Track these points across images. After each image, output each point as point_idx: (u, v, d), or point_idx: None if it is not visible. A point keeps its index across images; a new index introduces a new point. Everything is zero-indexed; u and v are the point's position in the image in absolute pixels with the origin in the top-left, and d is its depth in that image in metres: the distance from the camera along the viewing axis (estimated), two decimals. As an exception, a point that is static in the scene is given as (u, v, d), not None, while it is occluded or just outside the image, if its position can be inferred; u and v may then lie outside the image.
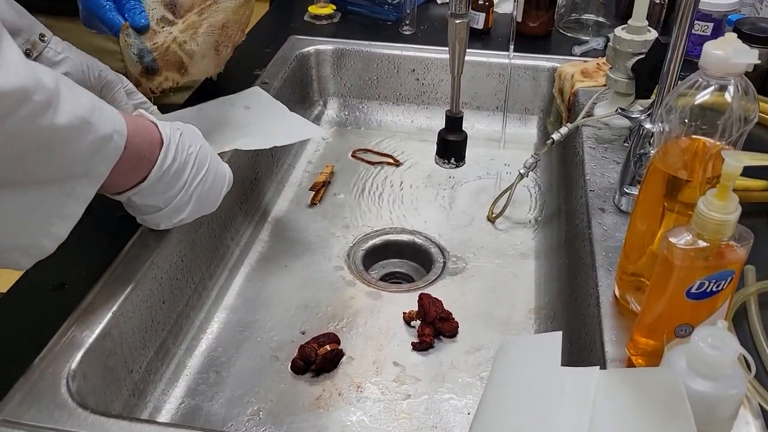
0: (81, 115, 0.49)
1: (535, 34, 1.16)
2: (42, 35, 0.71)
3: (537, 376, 0.52)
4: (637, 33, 0.84)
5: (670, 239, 0.50)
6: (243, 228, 0.89)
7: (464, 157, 0.77)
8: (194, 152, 0.64)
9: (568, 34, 1.18)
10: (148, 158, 0.60)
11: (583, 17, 1.20)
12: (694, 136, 0.53)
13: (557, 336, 0.52)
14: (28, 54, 0.70)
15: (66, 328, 0.60)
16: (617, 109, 0.82)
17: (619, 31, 0.85)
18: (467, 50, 1.10)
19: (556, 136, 0.89)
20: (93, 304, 0.62)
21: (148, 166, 0.60)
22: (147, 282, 0.67)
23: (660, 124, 0.55)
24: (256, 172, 0.94)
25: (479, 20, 1.15)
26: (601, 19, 1.19)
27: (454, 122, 0.74)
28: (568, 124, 0.90)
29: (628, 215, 0.73)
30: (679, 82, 0.67)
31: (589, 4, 1.19)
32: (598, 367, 0.50)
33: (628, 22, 0.84)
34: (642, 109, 0.85)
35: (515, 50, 1.04)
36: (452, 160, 0.76)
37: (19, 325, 0.62)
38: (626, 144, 0.84)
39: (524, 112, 1.12)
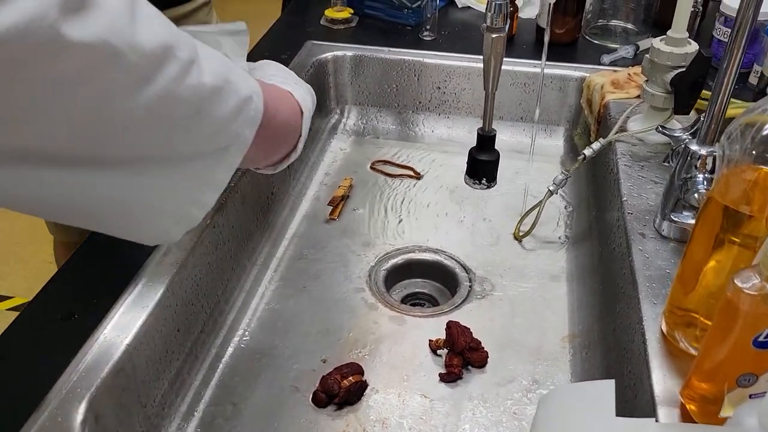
0: (223, 74, 0.45)
1: (561, 41, 1.11)
2: None
3: (589, 427, 0.48)
4: (676, 45, 0.79)
5: (736, 282, 0.45)
6: (260, 246, 0.85)
7: (496, 177, 0.73)
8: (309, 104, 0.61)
9: (595, 41, 1.13)
10: (293, 127, 0.57)
11: (610, 23, 1.15)
12: (759, 166, 0.49)
13: (610, 385, 0.48)
14: None
15: (76, 363, 0.56)
16: (657, 127, 0.77)
17: (657, 42, 0.81)
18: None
19: (587, 152, 0.85)
20: (105, 337, 0.58)
21: (295, 135, 0.58)
22: (161, 310, 0.63)
23: (721, 152, 0.50)
24: (272, 186, 0.90)
25: (503, 26, 1.10)
26: (629, 26, 1.14)
27: (486, 141, 0.70)
28: (601, 139, 0.85)
29: (670, 241, 0.69)
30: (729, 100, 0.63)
31: (617, 10, 1.14)
32: (654, 419, 0.46)
33: (667, 33, 0.80)
34: (683, 126, 0.81)
35: (537, 58, 1.00)
36: (483, 181, 0.72)
37: (27, 359, 0.58)
38: (666, 164, 0.80)
39: (550, 122, 1.07)
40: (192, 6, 1.05)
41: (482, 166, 0.71)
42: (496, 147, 0.72)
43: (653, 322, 0.60)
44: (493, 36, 0.63)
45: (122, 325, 0.60)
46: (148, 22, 0.38)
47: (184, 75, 0.40)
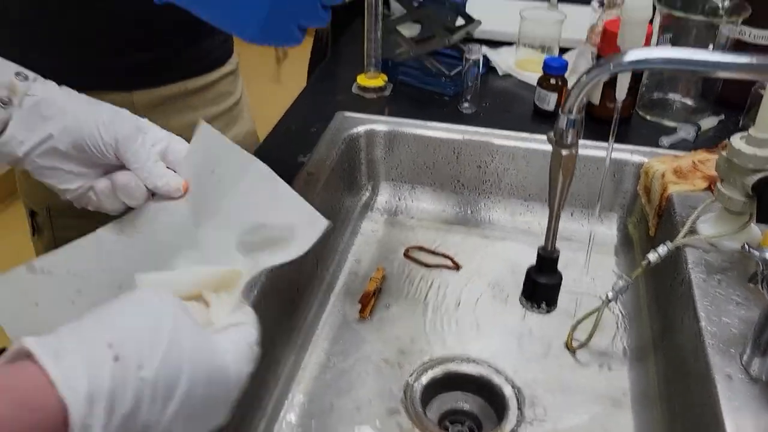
0: None
1: (612, 118, 1.02)
2: (18, 73, 0.56)
3: None
4: (760, 146, 0.70)
5: None
6: (284, 358, 0.76)
7: (556, 301, 0.64)
8: (149, 376, 0.37)
9: (649, 118, 1.04)
10: None
11: (668, 96, 1.06)
12: None
13: None
14: (4, 104, 0.54)
15: None
16: (743, 246, 0.68)
17: (737, 141, 0.72)
18: (537, 135, 0.98)
19: (652, 257, 0.76)
20: None
21: None
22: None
23: None
24: (298, 283, 0.82)
25: (550, 101, 1.02)
26: (688, 102, 1.05)
27: (547, 263, 0.61)
28: (668, 243, 0.76)
29: (762, 383, 0.60)
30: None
31: (675, 83, 1.05)
32: None
33: (749, 131, 0.71)
34: (770, 240, 0.71)
35: (588, 136, 0.91)
36: (542, 305, 0.63)
37: None
38: (752, 284, 0.70)
39: (602, 208, 0.98)
40: (216, 75, 0.98)
41: (542, 289, 0.62)
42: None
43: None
44: (564, 153, 0.54)
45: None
46: None
47: None
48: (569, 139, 0.53)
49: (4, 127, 0.54)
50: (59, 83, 0.60)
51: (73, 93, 0.59)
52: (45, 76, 0.59)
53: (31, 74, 0.57)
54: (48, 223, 0.98)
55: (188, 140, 0.62)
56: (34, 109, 0.55)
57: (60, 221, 0.97)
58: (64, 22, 0.83)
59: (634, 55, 0.50)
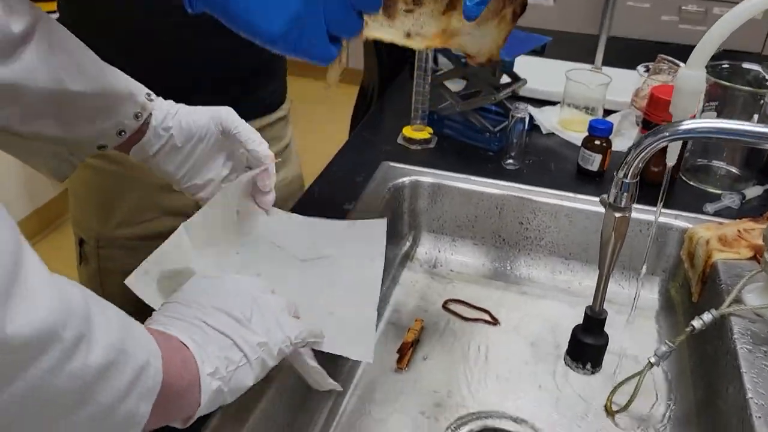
0: (115, 344, 0.38)
1: (656, 181, 1.03)
2: (148, 94, 0.70)
3: None
4: (811, 218, 0.70)
5: None
6: (321, 404, 0.77)
7: (601, 363, 0.63)
8: (249, 361, 0.52)
9: (692, 183, 1.04)
10: (191, 389, 0.48)
11: (712, 163, 1.06)
12: None
13: None
14: (137, 117, 0.68)
15: None
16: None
17: (786, 212, 0.72)
18: (580, 195, 0.99)
19: (697, 323, 0.75)
20: None
21: (193, 401, 0.48)
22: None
23: None
24: (339, 329, 0.82)
25: (594, 162, 1.03)
26: (733, 170, 1.05)
27: (595, 323, 0.61)
28: (713, 311, 0.75)
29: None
30: None
31: (719, 150, 1.06)
32: None
33: (799, 203, 0.71)
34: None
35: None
36: (588, 366, 0.63)
37: None
38: (801, 359, 0.69)
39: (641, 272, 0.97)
40: (269, 120, 1.02)
41: (588, 350, 0.62)
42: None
43: None
44: (617, 216, 0.55)
45: None
46: (28, 301, 0.32)
47: (67, 359, 0.34)
48: (623, 203, 0.54)
49: (142, 135, 0.69)
50: None
51: (183, 106, 0.73)
52: None
53: (152, 94, 0.70)
54: (95, 253, 1.01)
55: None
56: (162, 118, 0.70)
57: (106, 252, 1.00)
58: (148, 55, 0.86)
59: (690, 124, 0.51)
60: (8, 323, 0.30)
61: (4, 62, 0.57)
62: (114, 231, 0.98)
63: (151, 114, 0.69)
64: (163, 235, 1.00)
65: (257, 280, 0.61)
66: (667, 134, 0.51)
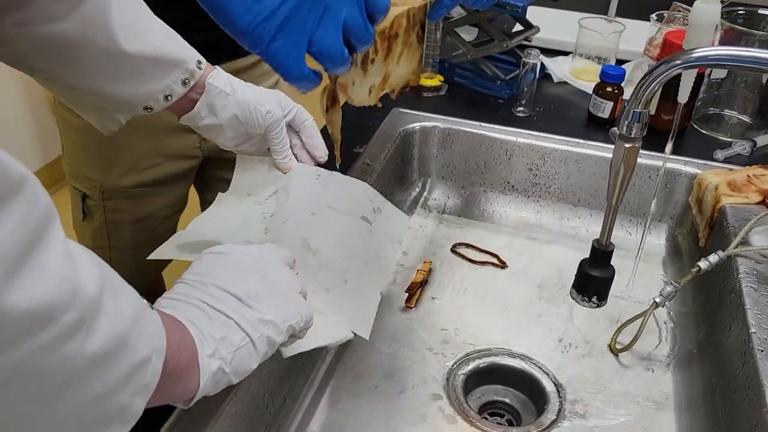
0: (119, 335, 0.37)
1: (667, 129, 1.03)
2: (199, 62, 0.69)
3: None
4: (821, 159, 0.70)
5: None
6: (332, 337, 0.78)
7: (607, 296, 0.64)
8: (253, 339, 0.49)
9: (704, 131, 1.04)
10: (188, 373, 0.46)
11: (724, 112, 1.06)
12: None
13: None
14: (185, 83, 0.68)
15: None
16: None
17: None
18: (590, 142, 0.99)
19: (703, 264, 0.76)
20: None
21: (191, 385, 0.46)
22: (226, 419, 0.57)
23: None
24: (349, 267, 0.84)
25: (605, 109, 1.03)
26: (744, 118, 1.05)
27: (602, 256, 0.62)
28: (720, 252, 0.76)
29: (813, 392, 0.59)
30: None
31: (732, 99, 1.05)
32: None
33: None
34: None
35: (643, 147, 0.91)
36: (593, 299, 0.64)
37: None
38: (804, 295, 0.70)
39: (652, 218, 0.98)
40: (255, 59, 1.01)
41: (595, 282, 0.63)
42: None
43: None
44: (627, 146, 0.55)
45: (183, 438, 0.53)
46: (35, 277, 0.31)
47: (62, 341, 0.33)
48: (633, 133, 0.55)
49: (192, 105, 0.70)
50: None
51: (239, 82, 0.73)
52: None
53: (204, 62, 0.70)
54: (100, 206, 1.01)
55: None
56: (215, 97, 0.70)
57: (112, 203, 1.00)
58: None
59: (703, 51, 0.51)
60: (10, 294, 0.30)
61: (66, 16, 0.58)
62: (119, 180, 0.97)
63: (204, 87, 0.70)
64: (168, 181, 1.00)
65: (275, 251, 0.57)
66: (680, 62, 0.51)
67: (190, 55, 0.69)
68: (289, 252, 0.59)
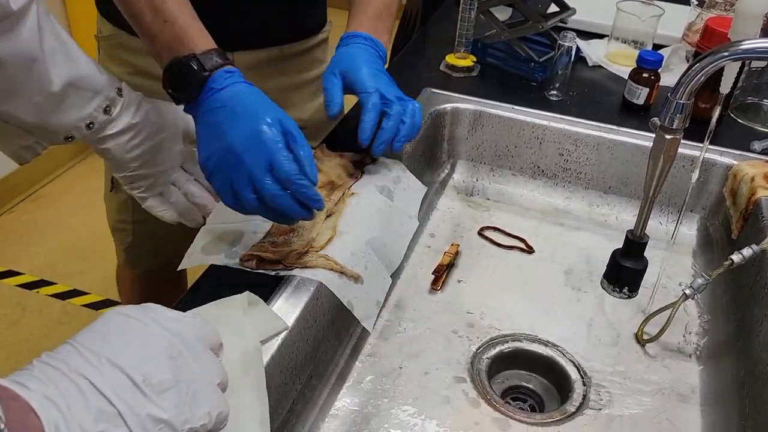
0: None
1: (703, 117, 1.01)
2: (119, 89, 0.71)
3: None
4: None
5: None
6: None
7: (638, 288, 0.64)
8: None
9: (741, 121, 1.02)
10: None
11: (763, 102, 1.04)
12: None
13: None
14: (107, 111, 0.70)
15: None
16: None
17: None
18: (623, 128, 0.98)
19: (736, 257, 0.75)
20: None
21: None
22: (255, 395, 0.58)
23: None
24: (376, 248, 0.84)
25: (640, 95, 1.01)
26: (783, 109, 1.03)
27: (635, 247, 0.61)
28: (754, 246, 0.75)
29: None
30: None
31: (772, 90, 1.03)
32: None
33: None
34: None
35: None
36: (625, 290, 0.63)
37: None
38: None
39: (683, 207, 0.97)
40: (310, 43, 1.01)
41: (627, 274, 0.62)
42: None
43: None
44: (668, 137, 0.54)
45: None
46: None
47: None
48: (675, 124, 0.54)
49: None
50: None
51: (156, 110, 0.75)
52: None
53: (125, 89, 0.71)
54: None
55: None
56: (129, 129, 0.72)
57: None
58: None
59: (752, 43, 0.49)
60: None
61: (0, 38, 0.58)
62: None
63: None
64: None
65: (202, 329, 0.47)
66: (727, 54, 0.49)
67: (111, 81, 0.70)
68: (218, 333, 0.49)
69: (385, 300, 0.84)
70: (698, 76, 0.50)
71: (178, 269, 0.69)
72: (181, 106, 0.69)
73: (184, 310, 0.55)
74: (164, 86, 0.68)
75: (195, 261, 0.69)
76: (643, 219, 0.61)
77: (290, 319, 0.64)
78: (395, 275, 0.87)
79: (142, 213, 1.05)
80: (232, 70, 0.67)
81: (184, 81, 0.66)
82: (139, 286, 1.20)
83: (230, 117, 0.63)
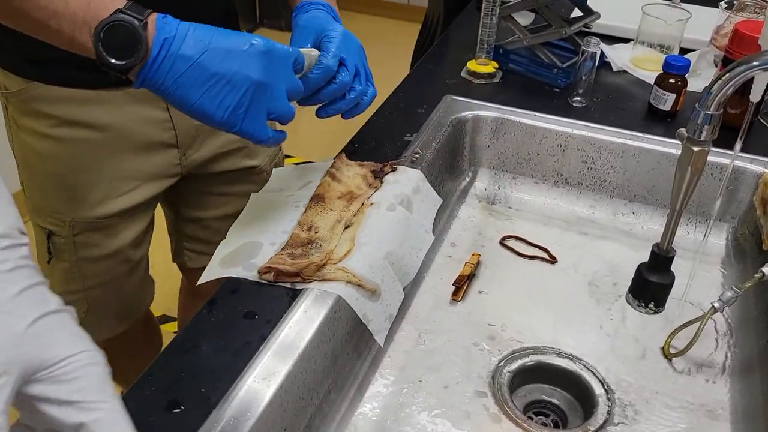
0: None
1: (732, 124, 0.98)
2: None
3: None
4: None
5: None
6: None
7: (665, 303, 0.62)
8: None
9: (772, 127, 0.99)
10: None
11: (793, 108, 1.01)
12: None
13: None
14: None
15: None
16: None
17: None
18: (649, 135, 0.96)
19: (767, 270, 0.73)
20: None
21: None
22: (272, 410, 0.57)
23: None
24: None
25: (667, 101, 0.99)
26: (816, 114, 1.00)
27: (662, 261, 0.59)
28: (786, 258, 0.73)
29: None
30: None
31: (803, 95, 1.00)
32: None
33: None
34: None
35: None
36: (651, 305, 0.61)
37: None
38: None
39: (711, 216, 0.94)
40: None
41: (653, 288, 0.60)
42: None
43: None
44: (695, 149, 0.53)
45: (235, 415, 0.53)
46: None
47: None
48: (703, 136, 0.52)
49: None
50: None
51: None
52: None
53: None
54: (70, 244, 0.90)
55: None
56: None
57: (83, 238, 0.90)
58: None
59: (785, 53, 0.47)
60: None
61: None
62: (92, 211, 0.88)
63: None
64: (144, 205, 0.91)
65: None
66: (758, 63, 0.48)
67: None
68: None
69: (405, 311, 0.83)
70: (727, 87, 0.49)
71: (198, 284, 0.69)
72: None
73: (203, 327, 0.54)
74: (102, 62, 0.57)
75: (214, 274, 0.68)
76: (670, 232, 0.59)
77: (308, 333, 0.63)
78: (415, 285, 0.86)
79: (94, 277, 0.92)
80: (164, 15, 0.59)
81: (126, 41, 0.56)
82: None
83: (221, 54, 0.58)
